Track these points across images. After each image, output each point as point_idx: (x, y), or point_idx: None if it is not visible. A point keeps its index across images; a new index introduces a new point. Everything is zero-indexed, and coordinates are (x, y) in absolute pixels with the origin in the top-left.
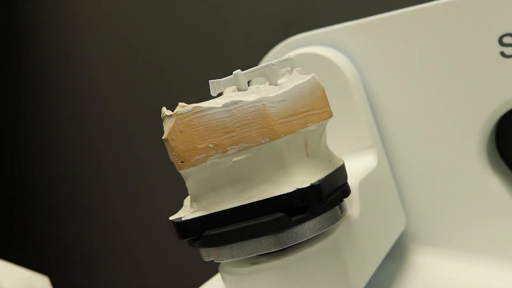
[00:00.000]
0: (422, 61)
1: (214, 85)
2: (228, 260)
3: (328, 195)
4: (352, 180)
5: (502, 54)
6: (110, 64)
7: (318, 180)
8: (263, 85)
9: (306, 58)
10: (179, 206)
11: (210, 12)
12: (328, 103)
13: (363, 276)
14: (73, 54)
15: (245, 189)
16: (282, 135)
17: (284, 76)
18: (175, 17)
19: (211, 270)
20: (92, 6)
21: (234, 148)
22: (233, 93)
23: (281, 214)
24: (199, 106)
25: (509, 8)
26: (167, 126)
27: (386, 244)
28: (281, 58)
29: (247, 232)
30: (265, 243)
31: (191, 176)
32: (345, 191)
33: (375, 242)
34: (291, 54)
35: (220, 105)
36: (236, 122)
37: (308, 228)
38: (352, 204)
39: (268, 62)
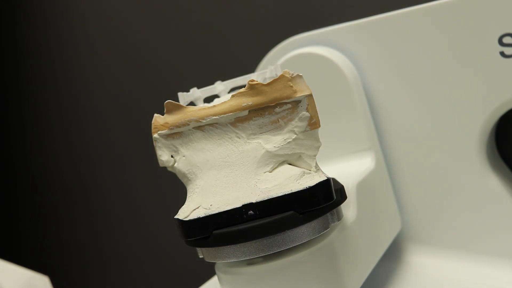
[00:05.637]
0: (422, 61)
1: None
2: (231, 261)
3: None
4: (350, 183)
5: (502, 54)
6: (111, 65)
7: None
8: None
9: (306, 58)
10: (178, 206)
11: (210, 12)
12: None
13: (357, 279)
14: (72, 54)
15: None
16: None
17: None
18: (176, 17)
19: (211, 270)
20: (88, 3)
21: None
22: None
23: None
24: None
25: (509, 8)
26: None
27: (380, 247)
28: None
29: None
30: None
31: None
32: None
33: (370, 245)
34: (291, 54)
35: None
36: None
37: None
38: (349, 207)
39: None
